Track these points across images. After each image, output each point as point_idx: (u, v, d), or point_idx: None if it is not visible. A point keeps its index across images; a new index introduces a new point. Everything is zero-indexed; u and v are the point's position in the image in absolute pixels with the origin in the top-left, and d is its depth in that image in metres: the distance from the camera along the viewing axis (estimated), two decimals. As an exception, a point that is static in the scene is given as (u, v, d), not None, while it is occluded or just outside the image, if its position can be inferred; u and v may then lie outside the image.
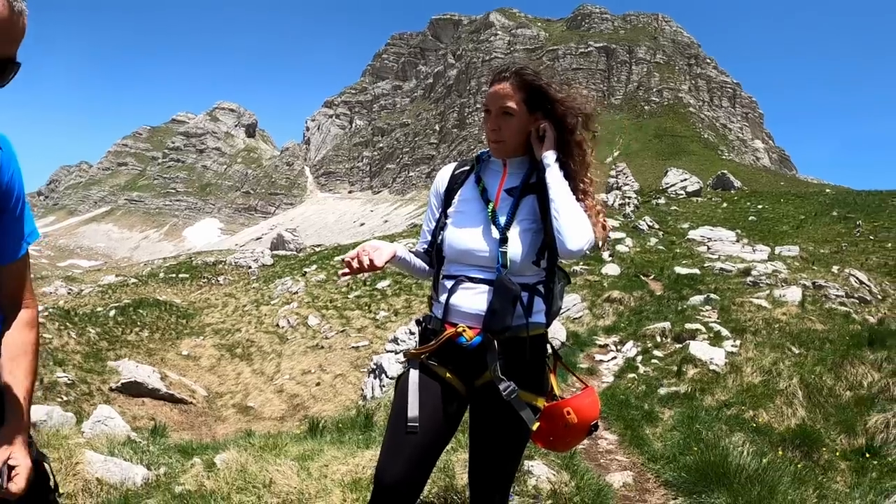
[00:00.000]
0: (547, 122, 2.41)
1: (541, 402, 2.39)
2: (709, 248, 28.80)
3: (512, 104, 2.39)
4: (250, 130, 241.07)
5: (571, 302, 19.34)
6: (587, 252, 2.35)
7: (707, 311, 14.93)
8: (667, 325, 13.50)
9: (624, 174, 61.35)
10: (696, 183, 56.34)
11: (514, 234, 2.37)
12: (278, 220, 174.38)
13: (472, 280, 2.40)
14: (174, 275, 47.64)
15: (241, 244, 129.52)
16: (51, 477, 1.73)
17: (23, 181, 1.75)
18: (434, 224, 2.61)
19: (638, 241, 31.09)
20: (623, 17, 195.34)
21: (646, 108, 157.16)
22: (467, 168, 2.64)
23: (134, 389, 18.42)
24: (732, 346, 10.92)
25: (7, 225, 1.69)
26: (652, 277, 22.44)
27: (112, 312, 30.29)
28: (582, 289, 21.40)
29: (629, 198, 48.39)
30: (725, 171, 67.80)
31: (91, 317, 29.29)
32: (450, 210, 2.56)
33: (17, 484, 1.50)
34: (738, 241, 30.58)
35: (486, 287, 2.36)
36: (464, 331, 2.34)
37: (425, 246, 2.66)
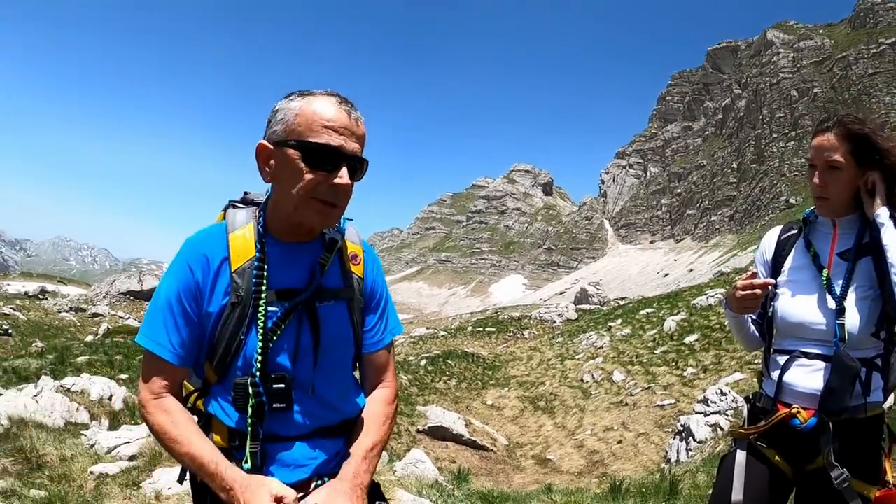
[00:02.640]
0: (877, 174, 2.19)
1: (874, 493, 2.16)
2: None
3: (838, 157, 2.24)
4: (547, 189, 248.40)
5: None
6: None
7: None
8: None
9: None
10: None
11: (850, 303, 2.20)
12: (581, 274, 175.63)
13: (807, 356, 2.26)
14: (481, 328, 49.79)
15: (546, 299, 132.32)
16: None
17: (384, 281, 2.09)
18: (763, 298, 2.43)
19: None
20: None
21: None
22: (794, 231, 2.52)
23: (439, 433, 19.38)
24: None
25: (370, 322, 2.00)
26: None
27: (423, 362, 32.48)
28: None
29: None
30: None
31: (404, 365, 31.67)
32: (780, 279, 2.42)
33: None
34: None
35: (822, 364, 2.22)
36: (798, 412, 2.23)
37: (754, 316, 2.54)
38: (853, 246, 2.26)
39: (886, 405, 7.76)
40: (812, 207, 2.45)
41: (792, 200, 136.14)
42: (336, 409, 1.88)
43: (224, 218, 1.88)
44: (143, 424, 7.90)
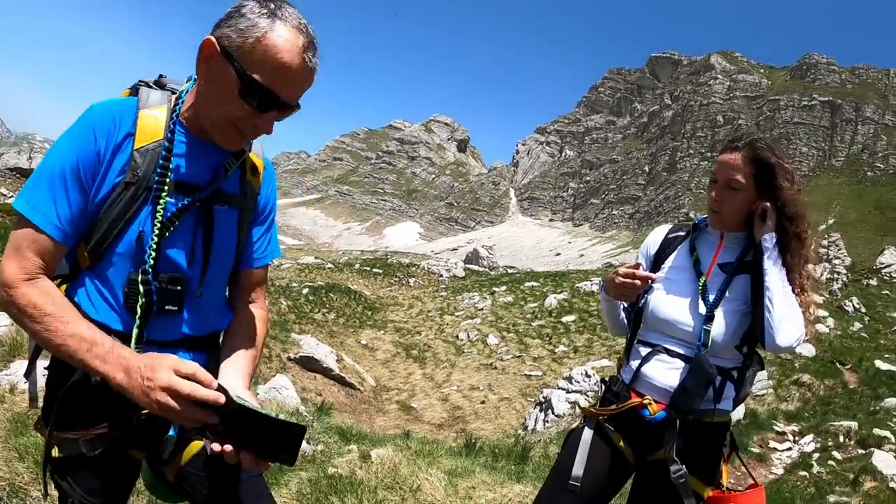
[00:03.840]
0: (770, 204, 2.27)
1: (707, 492, 2.29)
2: (917, 345, 25.62)
3: (740, 178, 2.28)
4: (462, 146, 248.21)
5: (757, 378, 18.07)
6: (794, 349, 2.24)
7: (902, 418, 13.33)
8: (854, 424, 12.25)
9: (836, 245, 56.23)
10: (917, 268, 50.14)
11: (720, 313, 2.28)
12: (476, 235, 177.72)
13: (668, 353, 2.34)
14: (368, 268, 49.70)
15: (437, 252, 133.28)
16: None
17: (276, 201, 2.00)
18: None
19: (840, 324, 28.51)
20: (851, 69, 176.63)
21: (868, 174, 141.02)
22: (682, 233, 2.56)
23: (309, 364, 19.43)
24: None
25: (256, 235, 1.93)
26: (848, 367, 20.48)
27: (305, 290, 32.22)
28: (771, 365, 19.99)
29: (838, 273, 44.40)
30: None
31: (285, 290, 31.36)
32: (658, 275, 2.48)
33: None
34: (955, 339, 26.97)
35: (681, 363, 2.30)
36: (649, 403, 2.29)
37: (626, 304, 2.60)
38: (735, 260, 2.34)
39: (735, 417, 8.45)
40: (704, 216, 2.54)
41: (692, 214, 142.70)
42: (207, 320, 1.83)
43: (132, 94, 1.75)
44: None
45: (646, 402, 2.30)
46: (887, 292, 41.93)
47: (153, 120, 1.67)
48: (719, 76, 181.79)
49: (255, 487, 1.83)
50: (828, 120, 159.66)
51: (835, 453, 10.78)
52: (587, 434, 2.38)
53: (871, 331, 28.07)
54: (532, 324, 29.34)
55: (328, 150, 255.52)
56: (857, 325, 29.14)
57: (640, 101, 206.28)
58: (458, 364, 25.25)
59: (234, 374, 1.74)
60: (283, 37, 1.54)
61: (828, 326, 27.66)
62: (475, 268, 54.67)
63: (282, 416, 1.59)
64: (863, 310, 33.13)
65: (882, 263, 51.37)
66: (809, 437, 12.13)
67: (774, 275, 2.19)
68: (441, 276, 48.94)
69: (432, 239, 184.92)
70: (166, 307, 1.67)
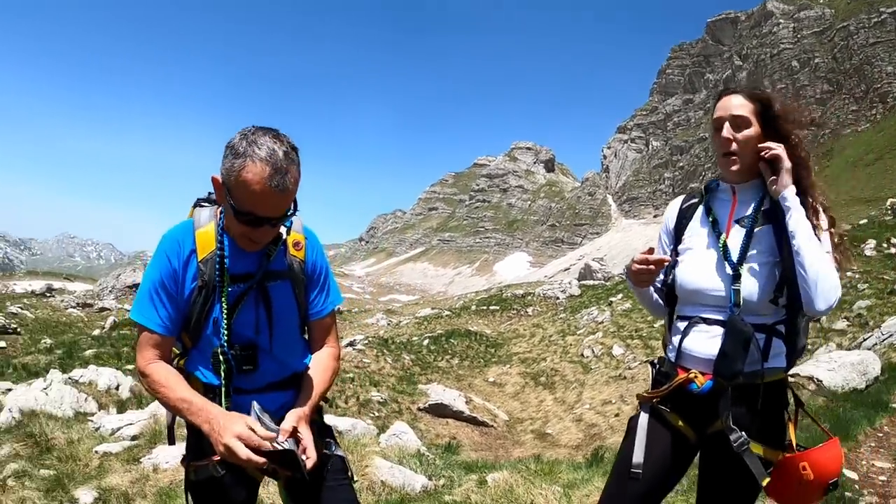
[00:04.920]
0: (780, 147, 2.20)
1: (775, 456, 2.22)
2: None
3: (746, 114, 2.26)
4: (549, 165, 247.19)
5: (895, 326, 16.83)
6: (833, 308, 2.13)
7: None
8: None
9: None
10: None
11: (746, 269, 2.24)
12: (585, 250, 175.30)
13: (706, 321, 2.30)
14: (485, 307, 49.92)
15: (550, 276, 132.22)
16: (349, 468, 2.45)
17: (325, 261, 2.51)
18: (665, 267, 2.48)
19: None
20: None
21: None
22: (696, 200, 2.52)
23: (439, 410, 19.75)
24: None
25: (313, 294, 2.44)
26: None
27: (426, 341, 32.76)
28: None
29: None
30: None
31: (407, 345, 31.95)
32: (680, 247, 2.46)
33: (311, 458, 2.10)
34: None
35: (719, 329, 2.25)
36: (695, 376, 2.26)
37: (658, 284, 2.56)
38: (752, 213, 2.29)
39: (873, 374, 7.75)
40: (715, 178, 2.49)
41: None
42: (287, 366, 2.35)
43: (192, 215, 2.31)
44: (146, 409, 8.39)
45: (691, 375, 2.27)
46: None
47: (206, 235, 2.23)
48: (781, 21, 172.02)
49: (344, 493, 2.37)
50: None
51: None
52: (643, 419, 2.37)
53: None
54: (654, 325, 28.54)
55: (421, 203, 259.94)
56: None
57: (710, 70, 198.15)
58: (587, 382, 24.91)
59: (302, 401, 2.28)
60: (251, 172, 1.98)
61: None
62: (590, 282, 53.73)
63: (286, 446, 2.02)
64: None
65: None
66: (971, 376, 11.07)
67: (803, 235, 2.12)
68: (557, 298, 48.49)
69: (543, 264, 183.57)
70: (244, 367, 2.24)
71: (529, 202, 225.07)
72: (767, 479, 2.17)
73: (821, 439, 2.29)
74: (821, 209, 2.25)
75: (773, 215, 2.25)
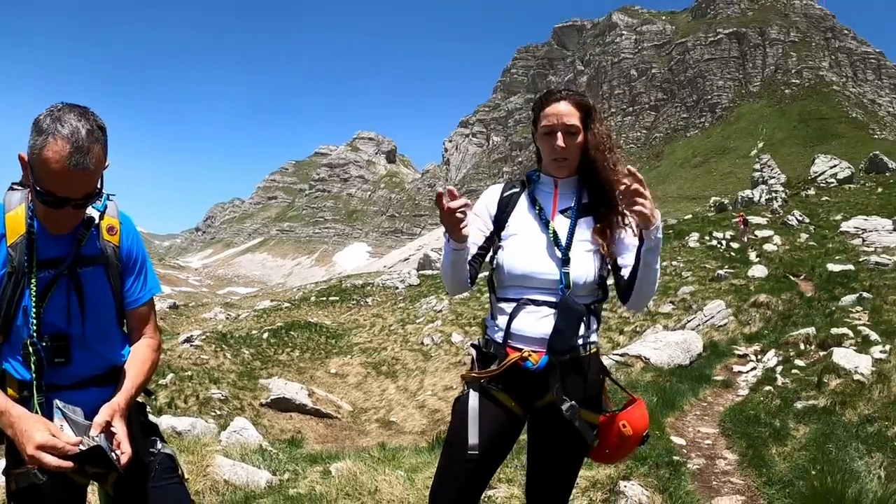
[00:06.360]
0: (636, 180, 2.20)
1: (597, 419, 2.40)
2: (864, 241, 26.44)
3: (576, 122, 2.40)
4: (390, 156, 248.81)
5: (716, 308, 18.47)
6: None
7: (858, 312, 13.59)
8: (811, 330, 12.48)
9: (769, 166, 57.96)
10: (848, 168, 51.69)
11: (575, 254, 2.37)
12: (424, 240, 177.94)
13: (534, 303, 2.38)
14: (325, 298, 49.61)
15: (390, 266, 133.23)
16: (179, 467, 2.30)
17: (142, 247, 2.36)
18: (483, 242, 2.53)
19: (787, 238, 29.41)
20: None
21: (786, 91, 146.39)
22: (517, 189, 2.62)
23: (282, 405, 19.39)
24: (881, 351, 9.77)
25: (129, 282, 2.29)
26: (802, 277, 21.10)
27: (265, 335, 32.02)
28: (727, 294, 20.46)
29: (776, 192, 45.73)
30: (878, 153, 60.78)
31: (246, 339, 31.13)
32: (504, 233, 2.52)
33: (126, 453, 1.97)
34: (895, 229, 28.00)
35: (549, 310, 2.35)
36: (529, 355, 2.32)
37: (469, 258, 2.51)
38: (574, 205, 2.46)
39: (696, 352, 8.65)
40: (534, 169, 2.65)
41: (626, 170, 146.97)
42: (104, 359, 2.21)
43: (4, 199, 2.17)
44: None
45: (525, 354, 2.33)
46: (827, 198, 43.08)
47: (16, 218, 2.09)
48: (624, 32, 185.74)
49: (174, 492, 2.22)
50: (737, 50, 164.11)
51: (797, 361, 10.87)
52: (473, 400, 2.38)
53: (818, 238, 28.88)
54: (490, 312, 29.50)
55: (260, 192, 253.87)
56: (804, 235, 29.97)
57: (553, 73, 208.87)
58: (428, 369, 25.32)
59: (119, 395, 2.10)
60: (51, 150, 1.87)
61: (775, 244, 28.43)
62: (429, 272, 54.72)
63: (96, 442, 1.90)
64: (806, 220, 34.02)
65: (815, 172, 52.91)
66: (771, 353, 12.24)
67: (657, 258, 2.31)
68: (397, 288, 48.96)
69: (382, 255, 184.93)
70: (55, 360, 2.07)
71: (370, 193, 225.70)
72: (597, 441, 2.38)
73: (622, 402, 2.51)
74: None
75: (590, 209, 2.45)
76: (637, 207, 2.19)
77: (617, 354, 13.33)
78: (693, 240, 33.17)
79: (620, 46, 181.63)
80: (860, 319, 12.88)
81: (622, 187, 2.24)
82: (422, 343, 29.02)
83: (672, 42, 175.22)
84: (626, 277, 2.39)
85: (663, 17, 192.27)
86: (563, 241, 2.38)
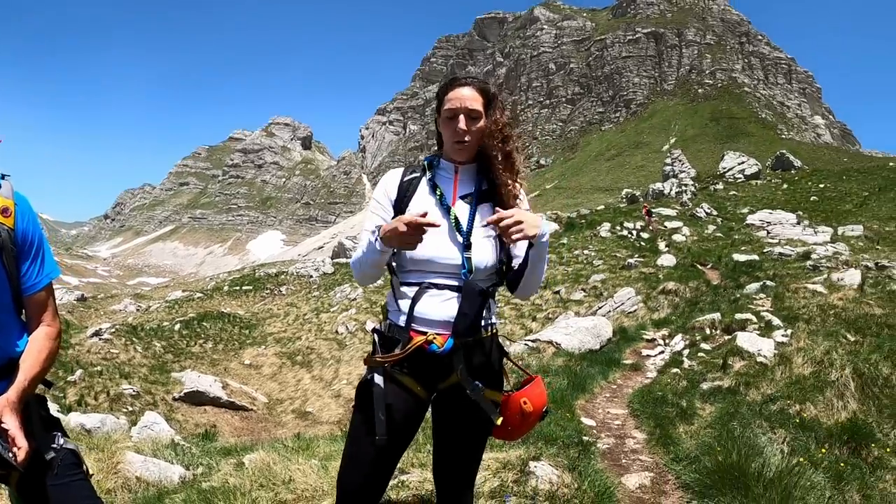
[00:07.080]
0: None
1: (499, 397, 2.47)
2: (768, 233, 27.89)
3: (479, 107, 2.43)
4: (306, 143, 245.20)
5: (626, 296, 19.06)
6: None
7: (761, 299, 14.32)
8: (717, 316, 13.07)
9: (680, 161, 60.35)
10: (755, 165, 54.83)
11: (476, 240, 2.42)
12: (339, 228, 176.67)
13: (437, 287, 2.41)
14: (238, 287, 48.77)
15: (304, 254, 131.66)
16: (84, 463, 2.18)
17: (39, 229, 2.23)
18: None
19: (695, 230, 30.55)
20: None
21: (699, 91, 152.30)
22: (417, 174, 2.60)
23: (196, 398, 18.99)
24: (783, 335, 10.29)
25: (27, 265, 2.17)
26: (709, 266, 22.02)
27: (177, 326, 31.29)
28: (637, 282, 21.12)
29: (685, 185, 47.63)
30: (785, 151, 65.39)
31: (157, 331, 30.32)
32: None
33: (22, 448, 1.86)
34: (798, 223, 29.62)
35: (452, 293, 2.39)
36: (434, 338, 2.36)
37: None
38: (474, 191, 2.49)
39: (606, 337, 9.02)
40: (432, 154, 2.65)
41: (542, 161, 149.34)
42: (1, 350, 2.10)
43: None
44: None
45: (430, 337, 2.36)
46: (734, 192, 45.17)
47: None
48: (545, 26, 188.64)
49: (78, 489, 2.10)
50: (654, 49, 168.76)
51: (703, 345, 11.34)
52: (378, 385, 2.39)
53: (724, 230, 30.13)
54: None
55: (172, 178, 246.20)
56: (711, 227, 31.23)
57: (472, 63, 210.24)
58: (343, 358, 25.24)
59: (10, 389, 1.97)
60: None
61: (684, 235, 29.48)
62: (344, 260, 54.33)
63: None
64: (714, 213, 35.47)
65: (724, 168, 55.49)
66: (678, 338, 12.79)
67: (545, 254, 2.44)
68: (311, 276, 48.46)
69: (296, 243, 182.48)
70: None
71: (284, 179, 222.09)
72: (501, 419, 2.42)
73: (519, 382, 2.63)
74: (522, 195, 2.50)
75: (489, 196, 2.49)
76: (516, 237, 2.26)
77: (529, 340, 13.56)
78: (605, 230, 34.09)
79: (540, 40, 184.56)
80: (763, 306, 13.56)
81: (499, 227, 2.30)
82: (336, 332, 28.88)
83: (591, 38, 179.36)
84: (515, 269, 2.49)
85: (584, 14, 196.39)
86: (465, 227, 2.42)
